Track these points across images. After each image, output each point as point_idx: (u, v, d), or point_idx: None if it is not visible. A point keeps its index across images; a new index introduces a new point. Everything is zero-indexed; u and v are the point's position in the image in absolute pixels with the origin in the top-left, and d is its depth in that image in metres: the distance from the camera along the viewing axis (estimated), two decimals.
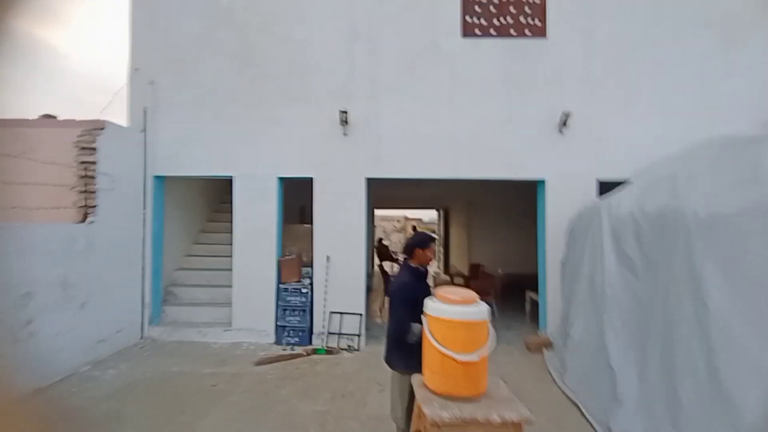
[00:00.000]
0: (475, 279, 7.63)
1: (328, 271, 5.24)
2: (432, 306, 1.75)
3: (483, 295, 6.14)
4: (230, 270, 5.36)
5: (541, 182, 5.40)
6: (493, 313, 6.62)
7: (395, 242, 24.26)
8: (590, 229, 4.62)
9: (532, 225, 9.90)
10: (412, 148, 5.29)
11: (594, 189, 5.30)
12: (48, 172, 4.17)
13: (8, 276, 3.38)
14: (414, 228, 15.60)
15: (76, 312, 4.08)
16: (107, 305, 4.54)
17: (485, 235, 9.84)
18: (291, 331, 5.21)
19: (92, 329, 4.32)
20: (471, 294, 1.76)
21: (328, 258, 5.26)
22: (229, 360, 4.65)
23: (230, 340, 5.18)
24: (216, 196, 7.81)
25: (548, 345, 5.11)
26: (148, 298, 5.25)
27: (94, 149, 4.34)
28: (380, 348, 5.53)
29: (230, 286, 5.33)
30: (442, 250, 13.51)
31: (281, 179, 5.41)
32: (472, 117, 5.32)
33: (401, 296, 2.28)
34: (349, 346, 5.11)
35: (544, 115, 5.28)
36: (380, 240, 13.77)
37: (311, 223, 5.44)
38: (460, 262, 11.32)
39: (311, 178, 5.34)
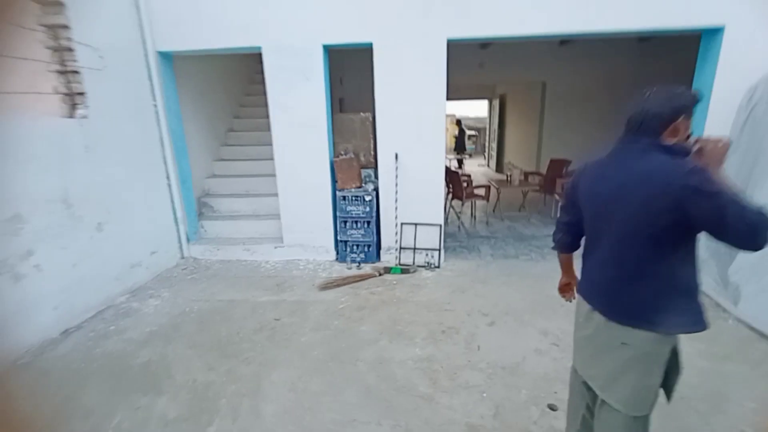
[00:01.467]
0: (560, 178, 6.28)
1: (397, 174, 4.05)
2: None
3: None
4: (274, 176, 4.26)
5: (713, 32, 3.61)
6: None
7: None
8: None
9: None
10: None
11: None
12: (15, 42, 2.88)
13: None
14: (458, 122, 13.61)
15: (93, 235, 3.20)
16: (132, 223, 3.66)
17: (563, 126, 8.12)
18: (355, 247, 4.28)
19: (119, 253, 3.51)
20: None
21: (396, 157, 4.02)
22: (287, 283, 3.84)
23: (284, 257, 4.36)
24: (243, 83, 6.39)
25: None
26: (180, 213, 4.35)
27: (60, 3, 2.94)
28: (464, 264, 4.40)
29: (276, 195, 4.30)
30: (494, 146, 11.90)
31: (328, 48, 3.90)
32: None
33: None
34: (427, 263, 4.18)
35: None
36: None
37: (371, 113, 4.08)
38: (520, 160, 9.84)
39: (370, 45, 3.79)
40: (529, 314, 3.17)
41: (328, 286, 3.71)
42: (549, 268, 4.04)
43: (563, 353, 2.64)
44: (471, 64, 7.66)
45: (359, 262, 4.24)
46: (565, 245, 1.70)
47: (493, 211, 6.57)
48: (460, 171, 7.02)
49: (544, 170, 7.37)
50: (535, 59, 7.64)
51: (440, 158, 4.08)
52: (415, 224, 4.19)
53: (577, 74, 7.74)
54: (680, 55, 7.59)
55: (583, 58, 7.59)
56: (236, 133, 5.81)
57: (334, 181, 4.21)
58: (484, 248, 4.76)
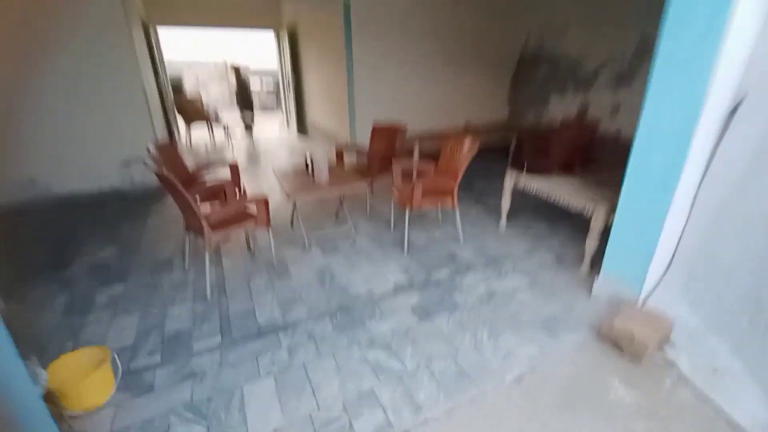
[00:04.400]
0: (394, 156, 3.69)
1: None
2: None
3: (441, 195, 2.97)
4: None
5: None
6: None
7: (216, 96, 17.49)
8: None
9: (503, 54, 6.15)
10: None
11: None
12: None
13: None
14: (237, 71, 9.54)
15: None
16: None
17: (382, 69, 5.50)
18: None
19: None
20: None
21: None
22: None
23: None
24: None
25: (668, 335, 1.94)
26: None
27: None
28: None
29: None
30: (292, 99, 8.64)
31: None
32: None
33: None
34: None
35: None
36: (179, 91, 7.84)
37: None
38: (329, 120, 7.00)
39: None
40: None
41: None
42: None
43: None
44: None
45: None
46: None
47: (291, 225, 3.53)
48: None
49: (364, 140, 4.71)
50: None
51: None
52: None
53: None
54: None
55: None
56: None
57: None
58: (261, 400, 1.72)
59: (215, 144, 7.57)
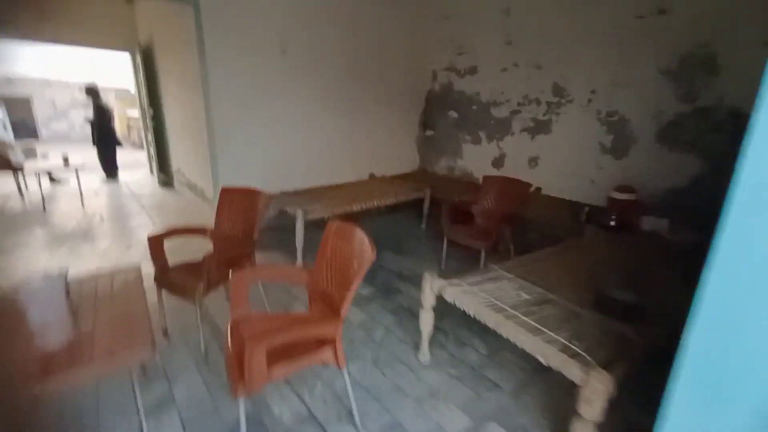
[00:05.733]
0: (241, 250, 2.26)
1: None
2: None
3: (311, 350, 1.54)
4: None
5: None
6: None
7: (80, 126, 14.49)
8: None
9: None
10: None
11: None
12: None
13: None
14: (92, 92, 7.11)
15: None
16: None
17: (262, 108, 4.09)
18: None
19: None
20: None
21: None
22: None
23: None
24: None
25: None
26: None
27: None
28: None
29: None
30: (152, 139, 6.69)
31: None
32: None
33: None
34: None
35: None
36: None
37: None
38: (194, 169, 5.30)
39: None
40: None
41: None
42: None
43: None
44: None
45: None
46: None
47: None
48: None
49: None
50: None
51: None
52: None
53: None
54: None
55: None
56: None
57: None
58: None
59: (26, 206, 5.24)
